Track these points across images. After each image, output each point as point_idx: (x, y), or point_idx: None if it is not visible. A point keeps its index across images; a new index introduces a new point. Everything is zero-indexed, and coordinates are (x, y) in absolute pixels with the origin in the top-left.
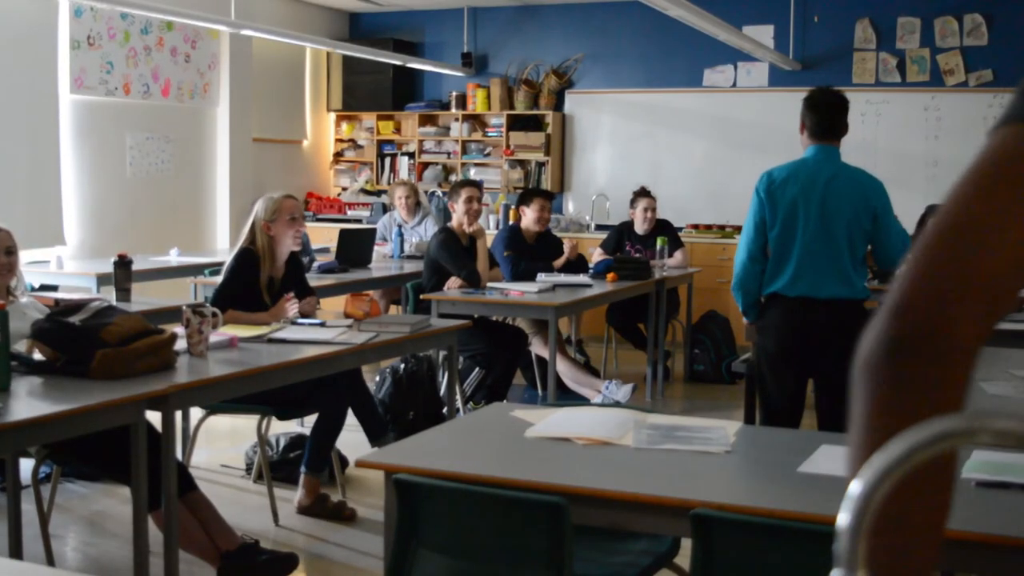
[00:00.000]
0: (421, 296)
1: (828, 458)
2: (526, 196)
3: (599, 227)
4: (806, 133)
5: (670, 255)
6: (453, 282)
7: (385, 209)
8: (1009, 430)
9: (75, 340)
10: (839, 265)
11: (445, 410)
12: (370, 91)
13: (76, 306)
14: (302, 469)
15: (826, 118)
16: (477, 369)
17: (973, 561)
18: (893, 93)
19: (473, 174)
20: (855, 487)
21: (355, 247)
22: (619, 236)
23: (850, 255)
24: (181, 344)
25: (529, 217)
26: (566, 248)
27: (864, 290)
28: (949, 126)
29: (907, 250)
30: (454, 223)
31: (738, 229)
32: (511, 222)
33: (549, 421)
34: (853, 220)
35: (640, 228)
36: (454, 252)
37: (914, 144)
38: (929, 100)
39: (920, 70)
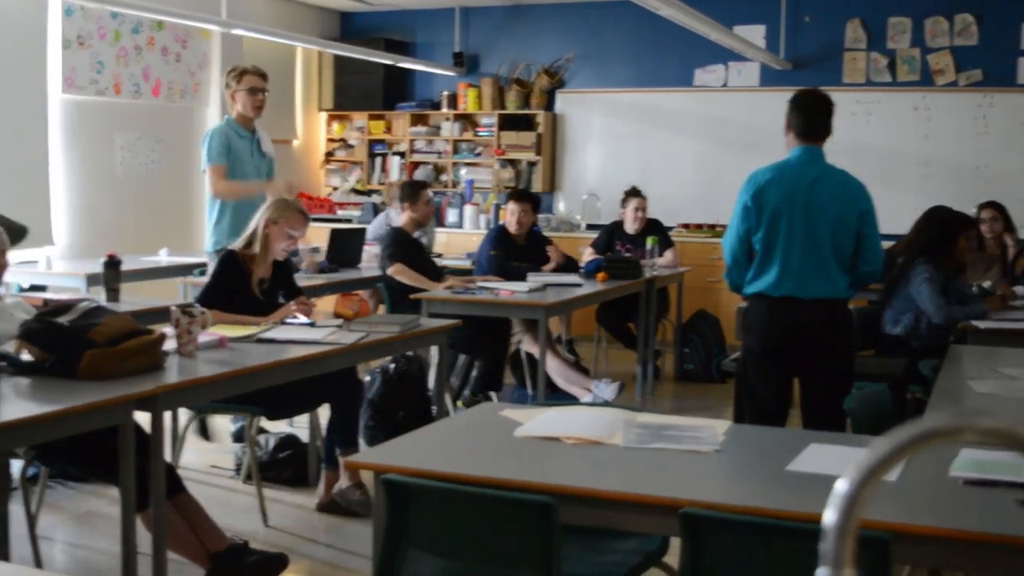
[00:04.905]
0: (411, 296)
1: (816, 457)
2: (509, 197)
3: (590, 227)
4: (792, 134)
5: (660, 254)
6: (453, 280)
7: (376, 210)
8: (995, 429)
9: (63, 340)
10: (824, 266)
11: (435, 409)
12: (361, 91)
13: (65, 306)
14: (337, 452)
15: (814, 119)
16: (462, 357)
17: (960, 559)
18: (883, 93)
19: (464, 174)
20: (840, 486)
21: (345, 247)
22: (609, 236)
23: (835, 256)
24: (170, 344)
25: (509, 219)
26: (551, 254)
27: (846, 289)
28: (939, 126)
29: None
30: (405, 221)
31: None
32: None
33: (538, 421)
34: (838, 221)
35: (630, 227)
36: (407, 250)
37: (905, 144)
38: (919, 100)
39: (910, 70)
